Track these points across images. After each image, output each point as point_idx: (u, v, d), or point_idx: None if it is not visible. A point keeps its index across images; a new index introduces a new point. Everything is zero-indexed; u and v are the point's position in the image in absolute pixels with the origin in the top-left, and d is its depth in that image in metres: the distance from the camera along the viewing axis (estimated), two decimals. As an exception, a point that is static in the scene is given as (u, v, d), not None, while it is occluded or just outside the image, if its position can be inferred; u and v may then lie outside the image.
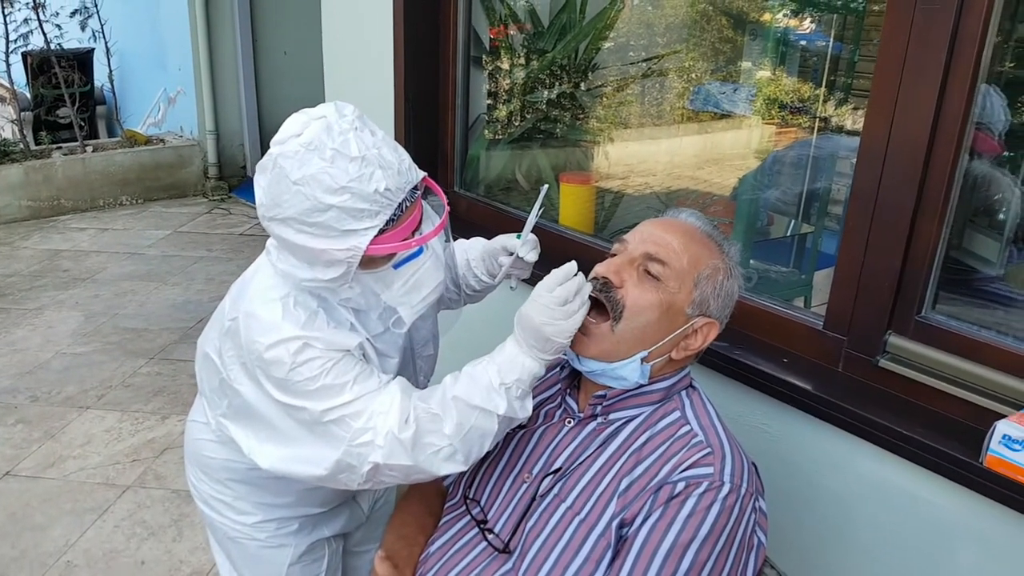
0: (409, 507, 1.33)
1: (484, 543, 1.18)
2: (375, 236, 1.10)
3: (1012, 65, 1.49)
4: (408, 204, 1.13)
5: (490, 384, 1.12)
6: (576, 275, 1.12)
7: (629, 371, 1.14)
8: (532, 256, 1.39)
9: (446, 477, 1.33)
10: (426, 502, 1.33)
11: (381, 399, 1.13)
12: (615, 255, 1.18)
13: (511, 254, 1.40)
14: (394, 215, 1.11)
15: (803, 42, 2.57)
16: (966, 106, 1.27)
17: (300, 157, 1.06)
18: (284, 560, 1.43)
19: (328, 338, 1.14)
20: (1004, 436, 1.18)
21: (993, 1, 1.22)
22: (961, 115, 1.27)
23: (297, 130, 1.08)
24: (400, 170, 1.11)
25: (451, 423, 1.12)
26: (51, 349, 3.65)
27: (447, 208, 1.25)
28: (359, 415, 1.12)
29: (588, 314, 1.13)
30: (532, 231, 1.37)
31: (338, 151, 1.06)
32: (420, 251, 1.22)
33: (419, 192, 1.17)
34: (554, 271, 1.13)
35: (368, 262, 1.15)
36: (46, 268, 4.62)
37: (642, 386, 1.16)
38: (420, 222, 1.19)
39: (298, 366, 1.11)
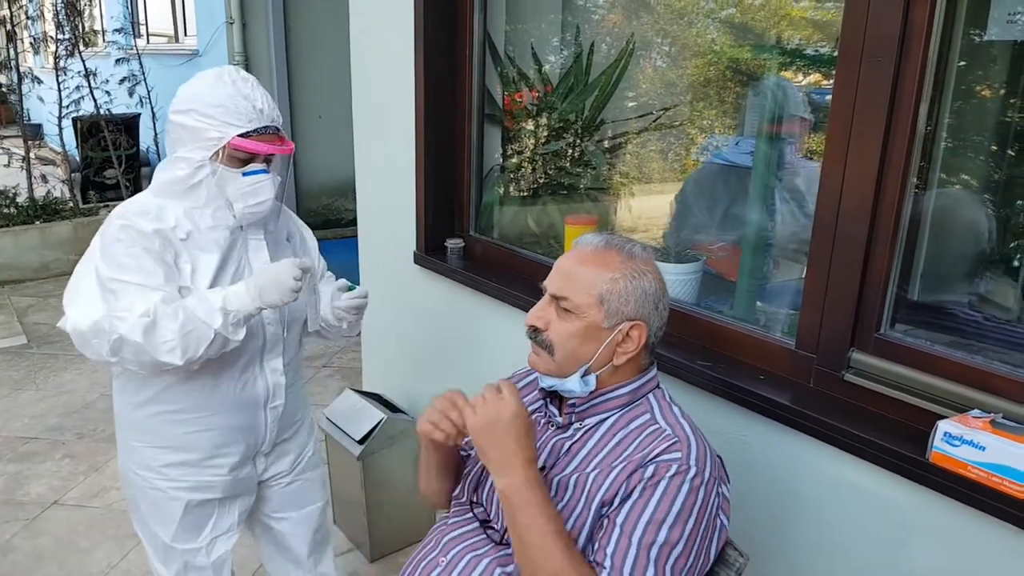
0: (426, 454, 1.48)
1: (485, 536, 1.35)
2: (240, 135, 1.57)
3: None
4: (270, 134, 1.62)
5: (214, 306, 1.51)
6: (306, 274, 1.57)
7: (574, 383, 1.32)
8: (347, 301, 1.82)
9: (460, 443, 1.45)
10: (441, 451, 1.45)
11: (147, 298, 1.50)
12: (543, 294, 1.36)
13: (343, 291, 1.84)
14: (258, 130, 1.59)
15: (802, 94, 2.73)
16: (908, 146, 1.44)
17: (222, 76, 1.62)
18: (177, 511, 1.77)
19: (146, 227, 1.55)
20: (945, 434, 1.32)
21: (927, 54, 1.41)
22: (905, 154, 1.45)
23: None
24: (274, 115, 1.64)
25: (178, 323, 1.49)
26: (96, 391, 3.88)
27: (291, 145, 1.69)
28: (127, 296, 1.50)
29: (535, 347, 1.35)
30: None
31: (246, 83, 1.64)
32: (264, 172, 1.62)
33: (281, 135, 1.66)
34: (294, 263, 1.56)
35: (229, 159, 1.58)
36: (91, 317, 4.89)
37: (603, 392, 1.33)
38: (272, 158, 1.64)
39: (119, 239, 1.54)
